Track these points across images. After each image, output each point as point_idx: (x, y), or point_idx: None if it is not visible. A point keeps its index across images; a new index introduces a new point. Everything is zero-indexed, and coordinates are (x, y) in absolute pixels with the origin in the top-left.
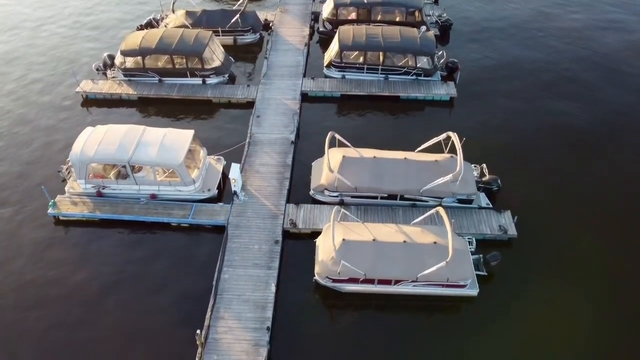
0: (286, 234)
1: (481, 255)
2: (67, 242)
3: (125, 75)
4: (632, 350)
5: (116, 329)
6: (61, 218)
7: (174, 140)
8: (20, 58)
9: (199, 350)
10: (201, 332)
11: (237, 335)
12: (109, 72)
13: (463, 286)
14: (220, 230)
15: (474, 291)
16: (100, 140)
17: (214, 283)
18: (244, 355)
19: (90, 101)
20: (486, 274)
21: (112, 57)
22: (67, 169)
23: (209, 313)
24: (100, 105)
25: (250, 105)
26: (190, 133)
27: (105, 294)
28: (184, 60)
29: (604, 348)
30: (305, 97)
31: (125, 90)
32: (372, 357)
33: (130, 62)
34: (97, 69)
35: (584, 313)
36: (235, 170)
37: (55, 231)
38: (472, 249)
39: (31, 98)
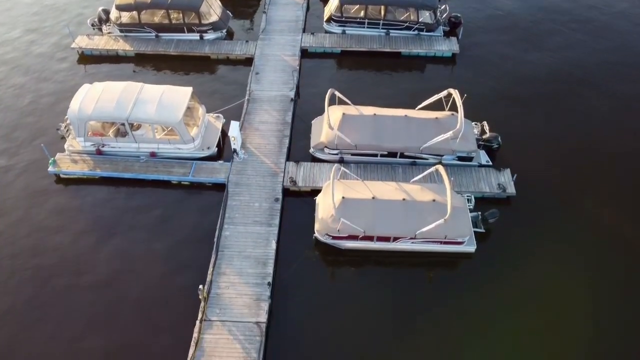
0: (286, 191)
1: (479, 213)
2: (68, 200)
3: (121, 31)
4: (629, 301)
5: (118, 288)
6: (62, 176)
7: (172, 97)
8: (11, 9)
9: (202, 304)
10: (203, 287)
11: (238, 290)
12: (104, 27)
13: (461, 243)
14: (220, 188)
15: (471, 248)
16: (98, 97)
17: (215, 240)
18: (246, 309)
19: (87, 57)
20: (484, 231)
21: (107, 12)
22: (65, 126)
23: (210, 269)
24: (96, 61)
25: (249, 61)
26: (188, 90)
27: (105, 249)
28: (181, 15)
29: (602, 302)
30: (304, 54)
31: (122, 46)
32: (371, 311)
33: (125, 17)
34: (93, 25)
35: (581, 269)
36: (234, 128)
37: (56, 188)
38: (471, 207)
39: (26, 54)
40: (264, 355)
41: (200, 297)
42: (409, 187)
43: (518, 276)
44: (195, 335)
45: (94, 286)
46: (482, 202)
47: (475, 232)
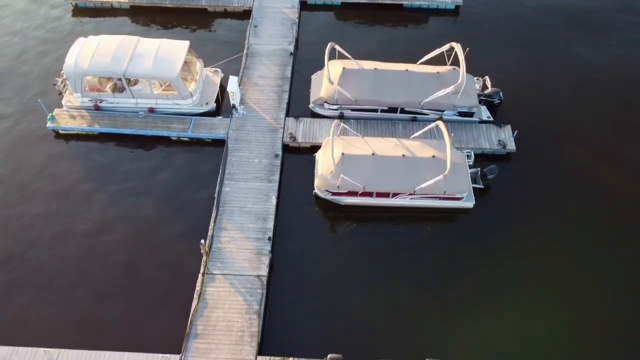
0: (286, 147)
1: (479, 169)
2: (68, 155)
3: None
4: (629, 260)
5: (122, 240)
6: (60, 132)
7: (168, 51)
8: None
9: (204, 258)
10: (205, 241)
11: (239, 245)
12: None
13: (459, 199)
14: (220, 143)
15: (470, 203)
16: (94, 52)
17: (215, 195)
18: (247, 263)
19: (80, 10)
20: (483, 187)
21: None
22: (62, 81)
23: (211, 224)
24: (91, 14)
25: (247, 14)
26: (185, 44)
27: (107, 204)
28: None
29: (601, 253)
30: (304, 6)
31: None
32: (370, 266)
33: None
34: None
35: (581, 224)
36: (233, 83)
37: (56, 144)
38: (470, 163)
39: (18, 6)
40: (265, 307)
41: (202, 251)
42: (408, 143)
43: (516, 232)
44: (197, 288)
45: (90, 234)
46: (481, 159)
47: (474, 187)
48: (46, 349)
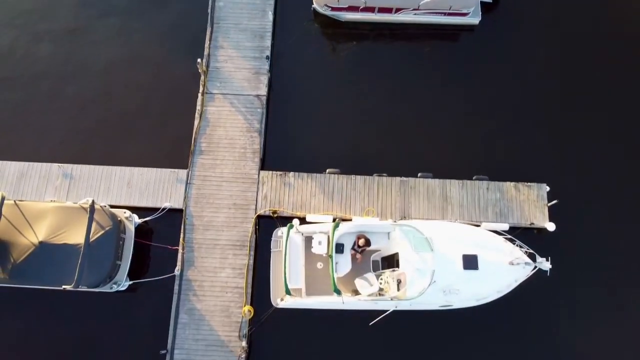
0: None
1: None
2: None
3: None
4: None
5: (120, 59)
6: None
7: None
8: None
9: (202, 78)
10: (202, 60)
11: (237, 64)
12: None
13: (465, 14)
14: None
15: (475, 19)
16: None
17: (209, 11)
18: (246, 82)
19: None
20: (491, 1)
21: None
22: None
23: (207, 42)
24: None
25: None
26: None
27: (104, 30)
28: None
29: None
30: None
31: None
32: (369, 84)
33: None
34: None
35: (586, 52)
36: None
37: None
38: None
39: None
40: (266, 126)
41: (199, 70)
42: None
43: (519, 51)
44: (198, 107)
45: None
46: None
47: (481, 2)
48: (60, 164)
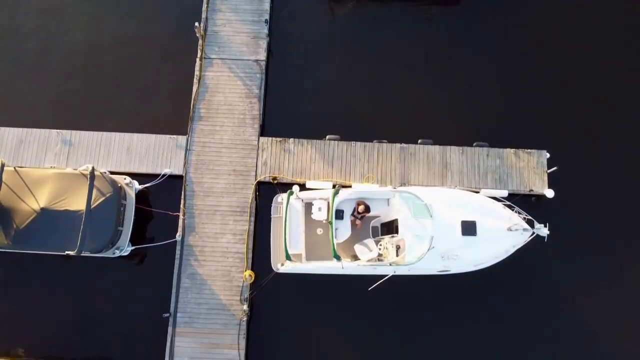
0: None
1: None
2: None
3: None
4: None
5: (117, 23)
6: None
7: None
8: None
9: (200, 42)
10: (199, 24)
11: (235, 28)
12: None
13: None
14: None
15: None
16: None
17: None
18: (245, 47)
19: None
20: None
21: None
22: None
23: (204, 5)
24: None
25: None
26: None
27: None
28: None
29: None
30: None
31: None
32: (369, 48)
33: None
34: None
35: None
36: None
37: None
38: None
39: None
40: (265, 91)
41: (197, 34)
42: None
43: (520, 16)
44: (196, 72)
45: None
46: None
47: None
48: (59, 131)
